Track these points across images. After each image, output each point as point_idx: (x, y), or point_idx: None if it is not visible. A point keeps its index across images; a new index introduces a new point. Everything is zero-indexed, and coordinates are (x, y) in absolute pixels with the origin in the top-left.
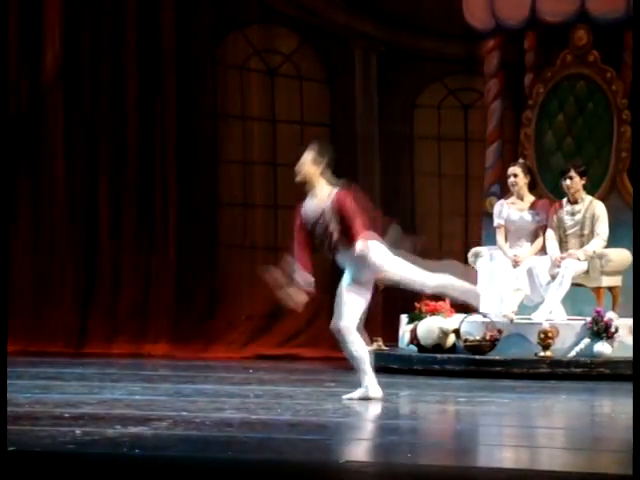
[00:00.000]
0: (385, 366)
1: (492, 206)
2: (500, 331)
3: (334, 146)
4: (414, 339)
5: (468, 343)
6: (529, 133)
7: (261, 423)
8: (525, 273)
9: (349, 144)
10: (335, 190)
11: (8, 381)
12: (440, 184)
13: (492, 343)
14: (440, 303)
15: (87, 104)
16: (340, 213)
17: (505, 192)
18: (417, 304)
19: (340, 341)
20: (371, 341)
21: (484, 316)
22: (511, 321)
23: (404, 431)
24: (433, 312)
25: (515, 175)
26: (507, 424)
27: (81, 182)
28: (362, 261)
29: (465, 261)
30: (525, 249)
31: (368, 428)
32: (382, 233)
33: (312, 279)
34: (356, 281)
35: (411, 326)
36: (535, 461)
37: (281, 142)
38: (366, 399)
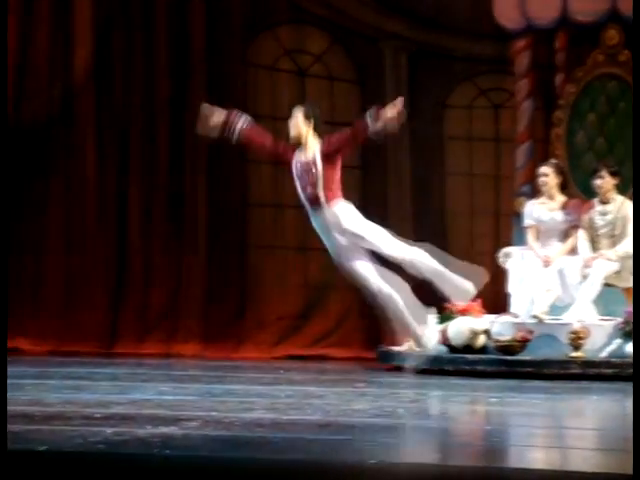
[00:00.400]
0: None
1: (522, 206)
2: (531, 331)
3: (363, 146)
4: (444, 340)
5: (499, 344)
6: (560, 133)
7: (291, 423)
8: (556, 273)
9: (379, 144)
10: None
11: (39, 381)
12: (471, 184)
13: (523, 344)
14: (471, 304)
15: (118, 104)
16: (327, 150)
17: (536, 192)
18: (447, 305)
19: (382, 306)
20: (402, 342)
21: (515, 317)
22: (542, 321)
23: (434, 432)
24: (463, 313)
25: (546, 175)
26: (538, 425)
27: (112, 182)
28: (335, 223)
29: (495, 261)
30: (556, 249)
31: (398, 429)
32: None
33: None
34: (341, 251)
35: (441, 327)
36: (566, 462)
37: None
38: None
